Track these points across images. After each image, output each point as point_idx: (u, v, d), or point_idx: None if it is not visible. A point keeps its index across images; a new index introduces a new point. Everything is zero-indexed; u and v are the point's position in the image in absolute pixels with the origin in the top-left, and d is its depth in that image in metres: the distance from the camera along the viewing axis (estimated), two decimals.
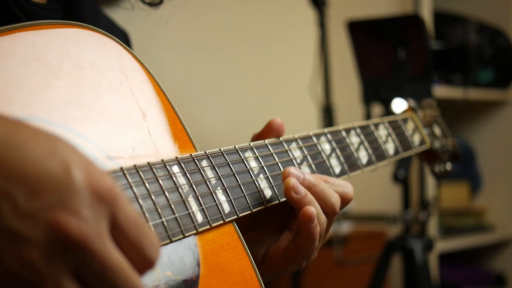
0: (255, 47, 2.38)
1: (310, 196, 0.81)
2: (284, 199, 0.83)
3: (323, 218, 0.83)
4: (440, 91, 2.56)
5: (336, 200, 0.85)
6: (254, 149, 0.84)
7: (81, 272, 0.49)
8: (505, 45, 2.94)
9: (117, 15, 1.31)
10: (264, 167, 0.84)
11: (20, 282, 0.47)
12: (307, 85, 2.22)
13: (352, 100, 2.25)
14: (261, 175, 0.82)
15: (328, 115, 2.06)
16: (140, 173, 0.65)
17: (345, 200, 0.87)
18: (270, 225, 0.90)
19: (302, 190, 0.80)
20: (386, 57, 1.87)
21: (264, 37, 2.41)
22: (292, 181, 0.80)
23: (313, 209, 0.80)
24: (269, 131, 0.90)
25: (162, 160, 0.70)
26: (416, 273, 1.92)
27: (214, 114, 2.22)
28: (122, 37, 1.07)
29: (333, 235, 2.21)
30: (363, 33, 1.90)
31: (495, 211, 3.06)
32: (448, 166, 1.26)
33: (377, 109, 2.01)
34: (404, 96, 1.60)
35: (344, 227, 2.39)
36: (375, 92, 1.86)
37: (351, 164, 0.97)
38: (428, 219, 2.09)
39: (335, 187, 0.86)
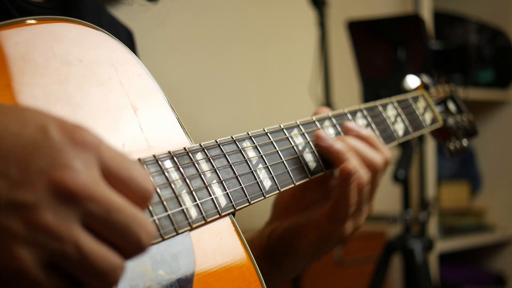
0: (255, 47, 2.38)
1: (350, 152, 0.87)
2: (283, 188, 0.82)
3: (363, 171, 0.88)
4: None
5: (377, 159, 0.90)
6: (253, 138, 0.81)
7: (89, 222, 0.50)
8: (505, 45, 2.93)
9: (119, 13, 1.31)
10: (264, 157, 0.80)
11: (37, 247, 0.48)
12: (307, 85, 2.21)
13: (352, 100, 2.25)
14: (260, 165, 0.79)
15: None
16: None
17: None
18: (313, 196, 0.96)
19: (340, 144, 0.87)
20: (386, 57, 1.87)
21: (264, 37, 2.41)
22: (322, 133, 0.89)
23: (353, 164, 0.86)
24: None
25: (154, 156, 0.67)
26: (416, 273, 1.92)
27: (214, 113, 2.22)
28: (125, 35, 1.05)
29: None
30: (363, 33, 1.90)
31: (495, 211, 3.05)
32: (465, 142, 1.20)
33: None
34: None
35: None
36: (375, 92, 1.85)
37: None
38: (428, 219, 2.08)
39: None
